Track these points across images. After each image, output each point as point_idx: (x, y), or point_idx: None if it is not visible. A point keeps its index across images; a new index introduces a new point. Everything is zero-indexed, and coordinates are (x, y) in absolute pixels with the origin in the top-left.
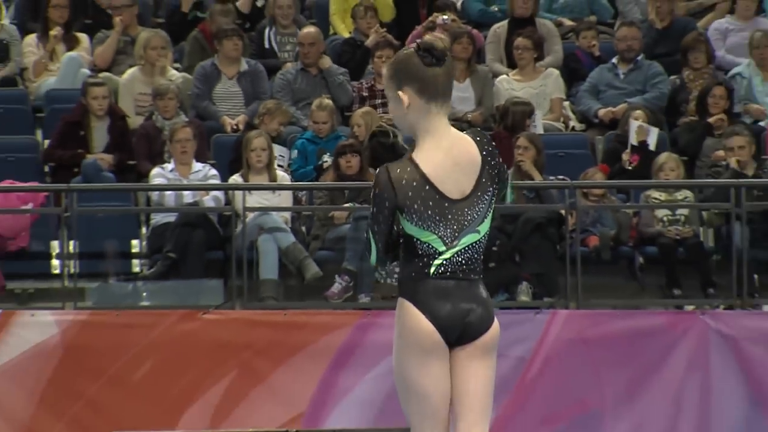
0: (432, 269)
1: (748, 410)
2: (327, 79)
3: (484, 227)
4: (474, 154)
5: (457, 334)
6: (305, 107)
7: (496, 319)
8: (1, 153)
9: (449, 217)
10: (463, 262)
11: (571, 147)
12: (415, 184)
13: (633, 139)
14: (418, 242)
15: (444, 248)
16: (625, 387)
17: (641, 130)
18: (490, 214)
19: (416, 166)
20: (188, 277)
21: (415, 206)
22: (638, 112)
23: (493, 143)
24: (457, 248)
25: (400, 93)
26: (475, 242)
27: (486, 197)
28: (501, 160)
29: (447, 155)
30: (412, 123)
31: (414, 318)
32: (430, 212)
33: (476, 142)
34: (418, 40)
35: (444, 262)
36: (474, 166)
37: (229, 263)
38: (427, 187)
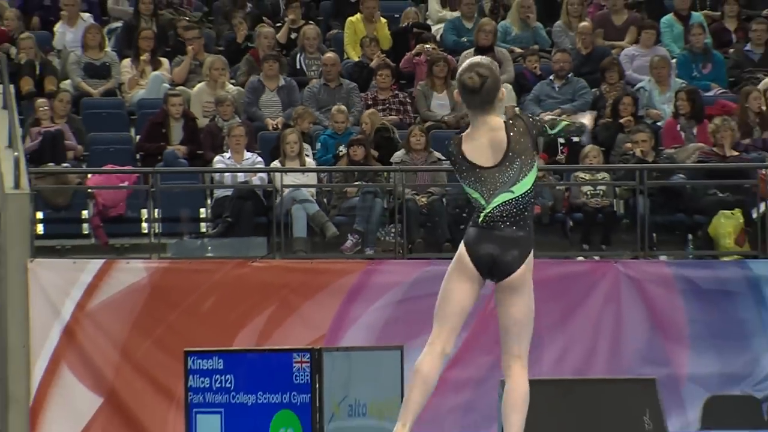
0: (480, 218)
1: (649, 334)
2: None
3: (519, 188)
4: (502, 136)
5: (488, 268)
6: (326, 112)
7: (526, 263)
8: (105, 145)
9: (482, 179)
10: (505, 214)
11: None
12: (457, 154)
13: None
14: (471, 197)
15: (485, 203)
16: (558, 317)
17: None
18: (525, 179)
19: (460, 143)
20: (241, 236)
21: (456, 167)
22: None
23: (521, 120)
24: (494, 203)
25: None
26: (511, 199)
27: (515, 165)
28: (531, 119)
29: (482, 137)
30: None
31: (461, 251)
32: (466, 174)
33: (505, 126)
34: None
35: (488, 213)
36: (501, 144)
37: (271, 225)
38: (461, 158)
